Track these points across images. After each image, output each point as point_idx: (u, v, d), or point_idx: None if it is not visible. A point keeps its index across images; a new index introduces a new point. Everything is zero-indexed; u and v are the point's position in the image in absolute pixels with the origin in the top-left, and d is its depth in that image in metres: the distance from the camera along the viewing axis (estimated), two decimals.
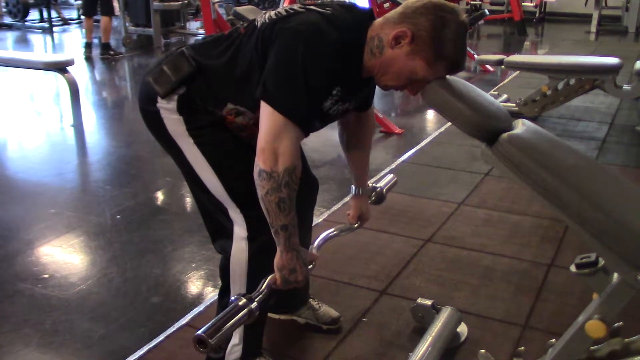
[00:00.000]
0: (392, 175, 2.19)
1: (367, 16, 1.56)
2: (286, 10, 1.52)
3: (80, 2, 8.61)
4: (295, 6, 1.54)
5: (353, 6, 1.57)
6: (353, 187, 1.97)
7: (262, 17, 1.56)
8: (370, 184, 2.04)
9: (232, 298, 1.47)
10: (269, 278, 1.54)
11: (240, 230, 1.65)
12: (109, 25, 7.58)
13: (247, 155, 1.52)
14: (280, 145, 1.40)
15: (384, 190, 2.06)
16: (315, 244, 1.80)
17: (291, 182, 1.43)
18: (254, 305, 1.44)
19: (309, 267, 1.62)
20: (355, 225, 1.99)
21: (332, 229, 1.91)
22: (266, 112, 1.43)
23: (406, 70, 1.48)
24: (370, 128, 1.93)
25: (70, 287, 2.42)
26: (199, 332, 1.33)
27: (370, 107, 1.86)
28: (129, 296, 2.37)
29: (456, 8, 1.47)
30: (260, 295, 1.49)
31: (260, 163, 1.42)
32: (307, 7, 1.53)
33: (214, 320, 1.38)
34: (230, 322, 1.39)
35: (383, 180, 2.10)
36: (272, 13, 1.54)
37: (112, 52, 7.65)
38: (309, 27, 1.45)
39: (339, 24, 1.47)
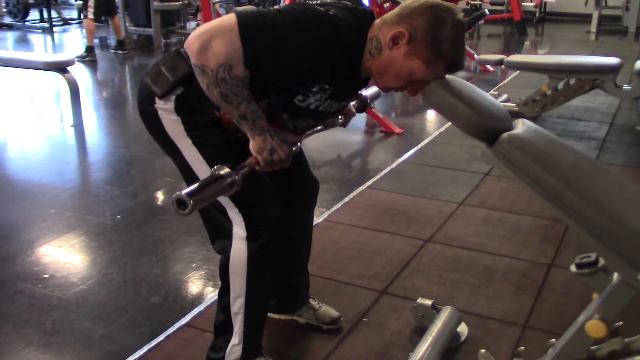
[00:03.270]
0: (376, 87, 2.15)
1: (368, 17, 1.56)
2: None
3: (81, 2, 8.63)
4: (297, 5, 1.54)
5: (355, 7, 1.57)
6: None
7: None
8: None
9: (215, 167, 1.45)
10: (249, 158, 1.52)
11: (239, 231, 1.65)
12: (119, 23, 7.83)
13: (246, 156, 1.53)
14: (213, 42, 1.38)
15: (368, 98, 2.02)
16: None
17: (229, 79, 1.40)
18: (236, 176, 1.44)
19: (293, 148, 1.58)
20: (340, 120, 1.92)
21: None
22: (225, 16, 1.43)
23: (405, 70, 1.49)
24: None
25: (70, 287, 2.42)
26: (180, 192, 1.34)
27: None
28: (129, 296, 2.37)
29: (453, 7, 1.48)
30: (243, 170, 1.48)
31: (190, 56, 1.42)
32: (314, 3, 1.53)
33: (195, 184, 1.39)
34: (211, 187, 1.41)
35: (368, 90, 2.04)
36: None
37: (125, 48, 7.88)
38: (308, 22, 1.45)
39: (339, 25, 1.47)
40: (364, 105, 2.01)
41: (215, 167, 1.45)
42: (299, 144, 1.66)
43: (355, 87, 1.66)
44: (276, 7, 1.51)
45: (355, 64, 1.53)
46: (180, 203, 1.35)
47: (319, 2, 1.57)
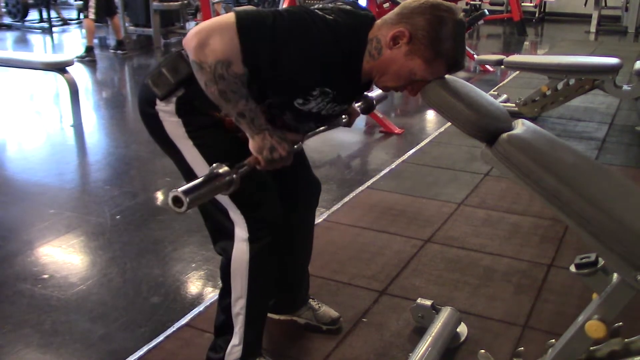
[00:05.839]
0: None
1: (368, 20, 1.55)
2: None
3: (80, 2, 8.63)
4: (296, 8, 1.54)
5: (354, 10, 1.57)
6: None
7: None
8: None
9: (214, 165, 1.45)
10: (249, 158, 1.51)
11: (241, 232, 1.65)
12: (119, 24, 7.87)
13: (247, 157, 1.52)
14: (213, 38, 1.38)
15: (374, 100, 2.00)
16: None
17: (227, 76, 1.40)
18: (234, 175, 1.43)
19: (295, 146, 1.57)
20: (344, 120, 1.90)
21: None
22: (224, 15, 1.43)
23: (405, 70, 1.49)
24: None
25: (70, 287, 2.42)
26: (177, 190, 1.34)
27: None
28: (129, 296, 2.36)
29: (453, 7, 1.48)
30: (242, 169, 1.47)
31: (189, 53, 1.42)
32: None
33: (193, 182, 1.39)
34: (208, 186, 1.40)
35: (374, 92, 2.04)
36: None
37: (125, 48, 7.88)
38: (307, 25, 1.45)
39: (338, 30, 1.47)
40: (370, 107, 2.00)
41: (214, 165, 1.44)
42: (300, 142, 1.64)
43: (356, 90, 1.66)
44: (276, 9, 1.50)
45: (355, 68, 1.53)
46: (177, 200, 1.35)
47: (319, 5, 1.56)
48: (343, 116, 1.88)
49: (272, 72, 1.46)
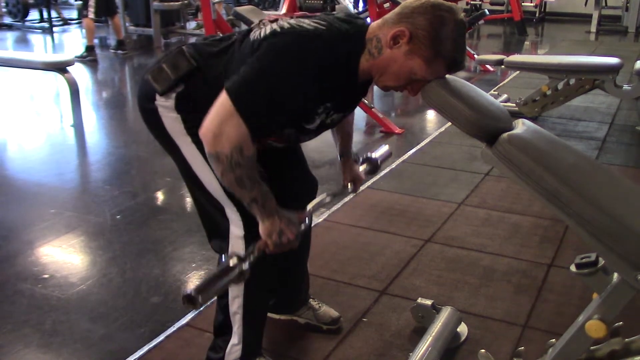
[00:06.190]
0: (387, 146, 2.14)
1: (364, 25, 1.55)
2: (281, 27, 1.50)
3: (80, 2, 8.63)
4: (293, 21, 1.51)
5: (350, 18, 1.57)
6: (338, 153, 1.95)
7: (262, 27, 1.54)
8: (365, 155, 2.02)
9: (223, 258, 1.46)
10: (258, 242, 1.53)
11: (236, 229, 1.65)
12: (119, 23, 7.86)
13: None
14: (224, 127, 1.40)
15: (379, 160, 2.02)
16: (308, 208, 1.74)
17: (242, 162, 1.42)
18: (245, 266, 1.45)
19: (302, 226, 1.59)
20: (350, 189, 1.94)
21: (325, 194, 1.81)
22: (221, 98, 1.43)
23: (405, 69, 1.49)
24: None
25: (70, 287, 2.42)
26: (188, 289, 1.34)
27: None
28: (129, 296, 2.37)
29: (454, 7, 1.48)
30: (251, 257, 1.49)
31: (206, 146, 1.43)
32: (305, 21, 1.51)
33: (203, 279, 1.40)
34: (220, 281, 1.41)
35: (378, 151, 2.05)
36: (271, 27, 1.51)
37: (125, 48, 7.87)
38: (296, 47, 1.44)
39: (332, 37, 1.47)
40: (375, 168, 2.03)
41: (223, 256, 1.45)
42: (307, 220, 1.66)
43: (354, 94, 1.66)
44: (259, 57, 1.47)
45: (352, 69, 1.52)
46: (190, 300, 1.35)
47: (313, 16, 1.56)
48: (349, 185, 1.93)
49: (282, 120, 1.51)
